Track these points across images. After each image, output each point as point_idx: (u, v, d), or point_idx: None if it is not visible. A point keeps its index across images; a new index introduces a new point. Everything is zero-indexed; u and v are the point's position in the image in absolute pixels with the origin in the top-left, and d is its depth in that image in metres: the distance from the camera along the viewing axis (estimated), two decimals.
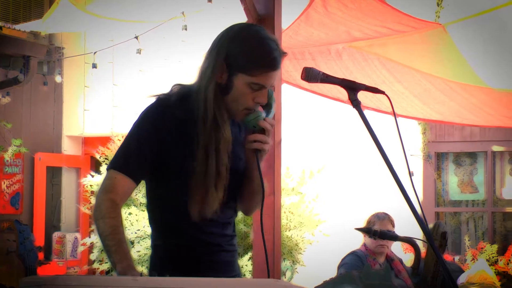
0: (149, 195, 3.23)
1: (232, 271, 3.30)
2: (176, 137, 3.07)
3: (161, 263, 3.17)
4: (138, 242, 8.47)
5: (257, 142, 3.11)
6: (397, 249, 8.30)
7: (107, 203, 2.96)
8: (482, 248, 9.71)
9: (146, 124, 3.08)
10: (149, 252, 8.43)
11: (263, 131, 3.12)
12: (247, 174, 3.24)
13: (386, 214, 6.45)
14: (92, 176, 8.98)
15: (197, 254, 3.15)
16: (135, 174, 3.04)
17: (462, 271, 7.75)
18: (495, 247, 9.72)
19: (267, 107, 3.15)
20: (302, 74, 2.94)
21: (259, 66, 3.03)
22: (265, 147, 3.13)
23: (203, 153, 3.05)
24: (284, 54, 3.13)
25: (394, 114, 3.05)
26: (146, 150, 3.05)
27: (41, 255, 9.81)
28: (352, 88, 2.90)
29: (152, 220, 3.25)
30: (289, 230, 8.98)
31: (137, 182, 3.07)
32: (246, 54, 3.05)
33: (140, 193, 8.35)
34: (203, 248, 3.16)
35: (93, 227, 9.03)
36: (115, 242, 2.89)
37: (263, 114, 3.12)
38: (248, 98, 3.07)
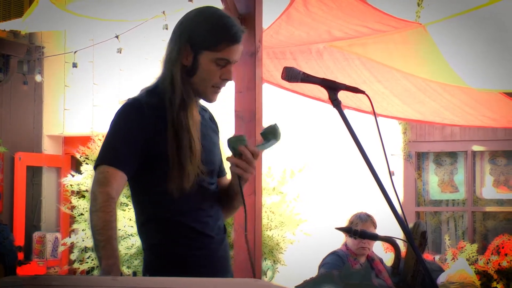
0: (142, 196, 3.20)
1: (229, 266, 3.36)
2: (155, 127, 3.08)
3: (164, 263, 3.14)
4: (119, 242, 8.43)
5: (238, 167, 3.13)
6: (378, 248, 8.31)
7: (103, 196, 2.94)
8: (462, 247, 9.75)
9: (127, 119, 3.09)
10: (129, 251, 8.43)
11: (241, 156, 3.12)
12: (228, 191, 3.29)
13: (369, 216, 6.45)
14: (73, 175, 8.94)
15: (203, 249, 3.15)
16: (126, 166, 3.03)
17: (442, 270, 7.78)
18: (475, 246, 9.76)
19: (267, 138, 3.20)
20: (282, 73, 2.94)
21: (223, 40, 3.10)
22: (244, 175, 3.15)
23: (173, 132, 3.09)
24: (244, 30, 3.19)
25: (374, 114, 3.05)
26: (133, 144, 3.05)
27: (21, 255, 9.76)
28: (332, 87, 2.90)
29: (147, 220, 3.20)
30: (270, 230, 8.97)
31: (128, 176, 3.05)
32: (209, 31, 3.12)
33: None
34: (205, 243, 3.17)
35: (74, 226, 9.00)
36: (105, 238, 2.87)
37: (246, 140, 3.15)
38: (215, 75, 3.13)
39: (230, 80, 3.16)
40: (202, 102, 3.32)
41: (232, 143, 3.13)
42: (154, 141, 3.07)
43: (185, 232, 3.11)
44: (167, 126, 3.09)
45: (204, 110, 3.35)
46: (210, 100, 3.21)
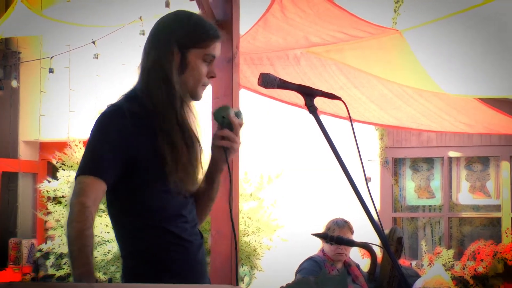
0: (120, 203, 3.18)
1: (207, 271, 3.36)
2: (138, 134, 3.07)
3: (144, 268, 3.10)
4: (96, 248, 8.40)
5: (225, 139, 3.14)
6: (355, 254, 8.33)
7: (77, 206, 2.93)
8: (438, 253, 9.79)
9: (108, 127, 3.07)
10: (106, 257, 8.40)
11: (230, 126, 3.14)
12: (209, 177, 3.28)
13: (346, 221, 6.45)
14: (49, 181, 8.89)
15: (183, 254, 3.14)
16: (106, 175, 3.00)
17: (418, 276, 7.80)
18: (451, 252, 9.80)
19: (220, 118, 3.20)
20: (259, 79, 2.94)
21: (208, 36, 3.16)
22: (234, 146, 3.18)
23: (179, 130, 3.11)
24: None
25: (351, 120, 3.06)
26: (115, 152, 3.03)
27: None
28: (308, 94, 2.90)
29: (125, 227, 3.17)
30: (247, 236, 8.97)
31: (108, 184, 3.03)
32: (194, 29, 3.17)
33: None
34: (185, 248, 3.16)
35: (50, 233, 8.96)
36: (77, 247, 2.86)
37: (232, 111, 3.16)
38: (204, 73, 3.17)
39: (215, 77, 3.20)
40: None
41: (221, 111, 3.15)
42: (136, 148, 3.05)
43: (165, 238, 3.10)
44: (150, 132, 3.08)
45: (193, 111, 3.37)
46: (197, 98, 3.22)
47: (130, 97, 3.17)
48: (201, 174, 3.19)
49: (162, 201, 3.09)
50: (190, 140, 3.14)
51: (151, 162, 3.06)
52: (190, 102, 3.21)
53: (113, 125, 3.06)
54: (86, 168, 3.02)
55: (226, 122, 3.14)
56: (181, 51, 3.14)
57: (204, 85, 3.20)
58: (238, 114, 3.18)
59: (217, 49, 3.20)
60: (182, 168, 3.08)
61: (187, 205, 3.19)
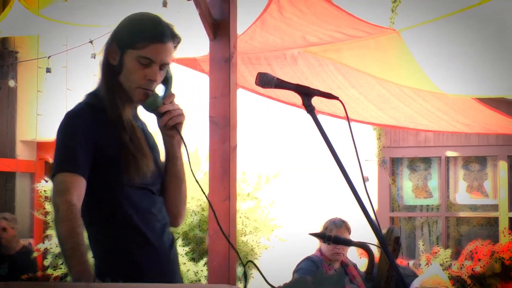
0: (87, 199, 3.12)
1: (179, 269, 3.35)
2: (100, 129, 3.08)
3: (117, 267, 3.09)
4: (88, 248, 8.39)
5: (171, 118, 3.16)
6: (353, 254, 8.33)
7: (64, 205, 2.92)
8: (436, 252, 9.79)
9: (73, 125, 3.08)
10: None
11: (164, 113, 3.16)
12: (170, 160, 3.28)
13: (343, 221, 6.45)
14: (46, 181, 8.88)
15: (155, 253, 3.13)
16: (82, 170, 3.01)
17: (416, 276, 7.80)
18: (448, 251, 9.80)
19: (165, 82, 3.19)
20: (256, 79, 2.93)
21: (144, 38, 3.11)
22: (181, 118, 3.19)
23: (124, 128, 3.11)
24: (176, 37, 3.20)
25: (348, 120, 3.06)
26: (84, 148, 3.03)
27: None
28: (306, 93, 2.89)
29: (95, 225, 3.15)
30: (245, 235, 8.96)
31: (86, 179, 3.02)
32: (132, 29, 3.17)
33: None
34: (157, 246, 3.15)
35: (48, 232, 8.95)
36: (71, 246, 2.86)
37: (159, 95, 3.15)
38: (139, 75, 3.12)
39: (155, 81, 3.13)
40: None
41: (150, 105, 3.14)
42: (102, 144, 3.06)
43: (136, 236, 3.09)
44: (111, 127, 3.09)
45: (142, 121, 3.34)
46: (136, 101, 3.18)
47: (93, 94, 3.21)
48: (147, 167, 3.12)
49: (130, 197, 3.09)
50: (135, 137, 3.12)
51: (115, 157, 3.07)
52: (130, 105, 3.18)
53: (79, 121, 3.08)
54: (63, 165, 3.02)
55: (158, 111, 3.14)
56: (120, 50, 3.14)
57: (142, 88, 3.13)
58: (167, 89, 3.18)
59: (157, 53, 3.12)
60: (129, 162, 3.07)
61: (156, 203, 3.19)
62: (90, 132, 3.05)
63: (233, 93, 5.74)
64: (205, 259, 8.42)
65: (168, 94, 3.16)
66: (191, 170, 3.20)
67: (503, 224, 10.16)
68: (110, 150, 3.06)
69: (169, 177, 3.27)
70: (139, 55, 3.10)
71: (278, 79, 2.92)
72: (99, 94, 3.17)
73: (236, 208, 5.83)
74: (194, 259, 8.68)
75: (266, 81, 2.93)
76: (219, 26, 5.73)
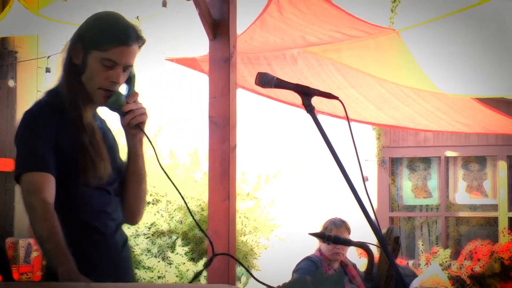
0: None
1: (132, 267, 3.32)
2: (59, 127, 3.05)
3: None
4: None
5: (135, 117, 3.12)
6: (352, 254, 8.33)
7: (39, 205, 2.89)
8: (435, 252, 9.80)
9: (33, 124, 3.05)
10: None
11: (124, 110, 3.13)
12: (132, 158, 3.24)
13: (343, 221, 6.45)
14: None
15: (109, 250, 3.12)
16: (50, 168, 2.98)
17: (415, 276, 7.80)
18: (448, 251, 9.81)
19: (128, 81, 3.15)
20: (256, 79, 2.93)
21: (109, 40, 3.07)
22: (144, 117, 3.15)
23: (84, 129, 3.07)
24: (141, 39, 3.15)
25: (348, 120, 3.05)
26: (47, 145, 3.00)
27: None
28: (305, 93, 2.89)
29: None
30: (245, 235, 8.97)
31: (54, 177, 2.99)
32: (98, 30, 3.11)
33: None
34: (111, 244, 3.14)
35: None
36: (53, 245, 2.83)
37: (123, 94, 3.12)
38: (102, 76, 3.08)
39: (118, 83, 3.09)
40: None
41: (113, 104, 3.10)
42: (61, 144, 3.03)
43: (91, 234, 3.07)
44: (71, 128, 3.06)
45: (101, 119, 3.31)
46: (97, 102, 3.14)
47: (52, 92, 3.17)
48: (105, 170, 3.08)
49: (85, 196, 3.06)
50: (94, 140, 3.08)
51: (73, 158, 3.03)
52: (91, 105, 3.14)
53: (40, 120, 3.04)
54: (29, 165, 2.98)
55: (121, 109, 3.11)
56: (84, 50, 3.10)
57: (104, 90, 3.09)
58: (130, 88, 3.15)
59: (121, 55, 3.08)
60: (87, 165, 3.04)
61: (111, 202, 3.17)
62: (51, 131, 3.02)
63: (233, 93, 5.74)
64: (204, 259, 8.43)
65: (132, 93, 3.14)
66: (160, 164, 3.17)
67: (503, 224, 10.16)
68: (69, 151, 3.03)
69: (130, 174, 3.25)
70: (103, 57, 3.06)
71: (277, 79, 2.92)
72: (60, 92, 3.13)
73: (235, 208, 5.83)
74: (194, 259, 8.69)
75: (266, 81, 2.92)
76: (219, 26, 5.73)
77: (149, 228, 8.67)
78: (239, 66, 6.78)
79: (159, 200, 8.78)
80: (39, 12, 8.19)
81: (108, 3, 7.85)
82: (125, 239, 3.26)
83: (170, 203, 8.63)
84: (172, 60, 8.06)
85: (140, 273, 8.50)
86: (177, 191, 3.26)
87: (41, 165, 2.97)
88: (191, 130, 9.89)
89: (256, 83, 2.93)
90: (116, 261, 3.16)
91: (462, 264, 9.54)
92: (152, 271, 8.52)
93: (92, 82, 3.09)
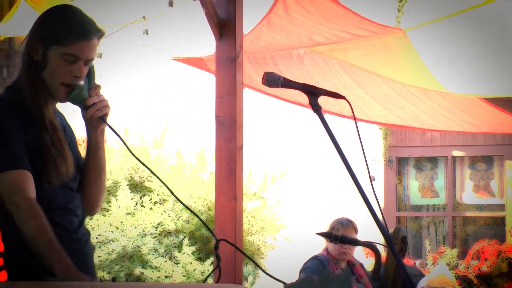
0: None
1: (93, 264, 3.30)
2: (22, 123, 3.02)
3: (32, 262, 2.93)
4: (100, 247, 8.41)
5: (98, 109, 3.09)
6: (359, 253, 8.32)
7: (24, 203, 2.86)
8: (442, 252, 9.78)
9: (4, 121, 2.99)
10: (110, 257, 8.40)
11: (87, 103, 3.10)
12: (93, 149, 3.22)
13: (350, 221, 6.45)
14: None
15: (73, 247, 3.06)
16: (26, 165, 2.95)
17: (422, 275, 7.80)
18: (455, 251, 9.79)
19: (87, 74, 3.11)
20: (263, 78, 2.93)
21: (70, 35, 3.03)
22: (107, 109, 3.11)
23: (45, 127, 3.04)
24: (100, 32, 3.13)
25: (355, 119, 3.06)
26: (19, 141, 2.97)
27: (0, 261, 9.69)
28: (312, 93, 2.89)
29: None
30: (251, 235, 8.97)
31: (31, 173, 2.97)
32: (57, 25, 3.06)
33: None
34: (74, 240, 3.11)
35: None
36: (46, 243, 2.81)
37: (85, 87, 3.08)
38: (64, 72, 3.05)
39: (80, 77, 3.06)
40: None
41: (77, 98, 3.07)
42: (28, 140, 3.00)
43: (56, 231, 2.96)
44: (34, 125, 3.03)
45: (60, 113, 3.29)
46: (59, 98, 3.12)
47: (12, 88, 3.13)
48: (67, 170, 3.05)
49: (49, 194, 3.03)
50: (56, 139, 3.05)
51: (37, 156, 3.00)
52: (51, 101, 3.12)
53: (7, 117, 3.00)
54: (6, 163, 2.93)
55: (85, 103, 3.09)
56: (43, 46, 3.06)
57: (66, 85, 3.06)
58: (89, 82, 3.12)
59: (82, 49, 3.04)
60: (50, 165, 3.01)
61: (74, 199, 3.16)
62: (20, 127, 2.99)
63: (239, 92, 5.74)
64: (211, 259, 8.43)
65: (94, 86, 3.12)
66: (129, 150, 3.16)
67: (510, 223, 10.15)
68: (33, 148, 3.00)
69: (90, 166, 3.23)
70: (64, 52, 3.02)
71: (284, 78, 2.92)
72: (20, 88, 3.09)
73: (242, 207, 5.83)
74: (201, 259, 8.69)
75: (272, 80, 2.92)
76: (225, 26, 5.73)
77: (156, 227, 8.67)
78: (246, 66, 6.78)
79: (166, 200, 8.79)
80: None
81: (114, 2, 7.86)
82: (88, 236, 3.24)
83: (177, 202, 8.63)
84: (178, 59, 8.07)
85: (147, 272, 8.51)
86: (171, 189, 3.26)
87: (18, 162, 2.93)
88: (198, 130, 9.89)
89: (263, 83, 2.93)
90: (79, 257, 3.08)
91: (469, 264, 9.53)
92: (159, 271, 8.53)
93: (53, 78, 3.05)
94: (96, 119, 3.12)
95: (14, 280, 2.96)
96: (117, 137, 3.09)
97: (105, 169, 3.30)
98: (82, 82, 3.07)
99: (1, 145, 2.96)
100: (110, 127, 3.13)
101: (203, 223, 3.16)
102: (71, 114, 3.44)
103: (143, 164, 3.17)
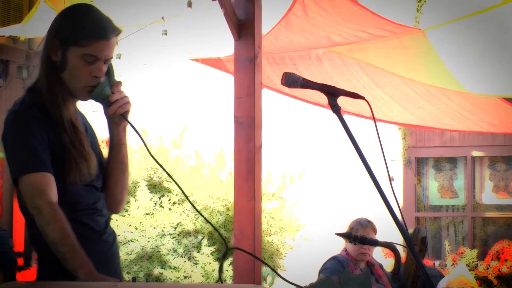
0: None
1: (119, 263, 3.31)
2: (44, 126, 3.02)
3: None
4: (119, 248, 8.43)
5: (120, 106, 3.10)
6: (378, 254, 8.31)
7: (46, 207, 2.86)
8: (462, 253, 9.75)
9: (27, 123, 3.00)
10: (129, 257, 8.42)
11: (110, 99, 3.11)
12: (116, 147, 3.21)
13: (369, 221, 6.44)
14: None
15: (100, 247, 3.11)
16: (48, 167, 2.95)
17: (442, 276, 7.77)
18: (475, 252, 9.75)
19: (107, 72, 3.12)
20: (282, 79, 2.93)
21: (88, 36, 3.02)
22: (129, 106, 3.12)
23: (65, 128, 3.04)
24: (117, 30, 3.12)
25: (374, 120, 3.05)
26: (42, 144, 2.97)
27: (20, 261, 9.74)
28: (331, 93, 2.89)
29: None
30: (270, 235, 8.97)
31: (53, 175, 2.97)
32: (75, 26, 3.05)
33: None
34: (101, 240, 3.14)
35: None
36: (69, 248, 2.82)
37: (107, 84, 3.09)
38: (84, 72, 3.04)
39: (100, 77, 3.06)
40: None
41: (100, 95, 3.07)
42: (52, 141, 3.01)
43: (82, 231, 3.01)
44: (54, 127, 3.03)
45: (81, 113, 3.29)
46: (81, 97, 3.12)
47: (32, 89, 3.14)
48: (88, 170, 3.06)
49: (75, 194, 3.04)
50: (76, 140, 3.05)
51: (59, 158, 3.01)
52: (72, 102, 3.12)
53: (30, 119, 3.01)
54: (28, 166, 2.94)
55: (107, 100, 3.09)
56: (62, 46, 3.05)
57: (86, 85, 3.06)
58: (109, 80, 3.12)
59: (101, 49, 3.03)
60: (71, 166, 3.01)
61: (99, 199, 3.16)
62: (42, 129, 2.99)
63: (258, 93, 5.74)
64: (230, 259, 8.44)
65: (116, 83, 3.12)
66: (148, 150, 3.16)
67: None
68: (56, 149, 3.00)
69: (113, 163, 3.23)
70: (83, 53, 3.02)
71: (304, 79, 2.92)
72: (39, 90, 3.10)
73: (261, 208, 5.84)
74: (220, 259, 8.70)
75: (292, 81, 2.92)
76: (244, 26, 5.73)
77: (175, 228, 8.69)
78: (264, 66, 6.79)
79: (184, 200, 8.80)
80: None
81: (133, 3, 7.88)
82: (114, 236, 3.25)
83: (196, 203, 8.65)
84: (197, 60, 8.08)
85: (166, 273, 8.52)
86: (184, 189, 3.26)
87: (40, 165, 2.94)
88: (217, 130, 9.90)
89: (282, 83, 2.93)
90: (107, 257, 3.14)
91: (489, 265, 9.49)
92: (178, 271, 8.54)
93: (74, 79, 3.06)
94: (118, 116, 3.12)
95: (45, 280, 2.96)
96: (138, 136, 3.10)
97: (128, 167, 3.30)
98: (102, 79, 3.08)
99: (23, 148, 2.97)
100: (131, 124, 3.15)
101: (215, 228, 3.17)
102: (91, 115, 3.44)
103: (160, 165, 3.17)
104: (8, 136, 3.02)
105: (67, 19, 3.11)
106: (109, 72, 3.13)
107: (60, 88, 3.07)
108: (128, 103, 3.12)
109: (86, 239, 2.99)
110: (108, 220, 3.23)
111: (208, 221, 3.13)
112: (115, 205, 3.31)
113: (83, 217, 3.07)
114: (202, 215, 3.10)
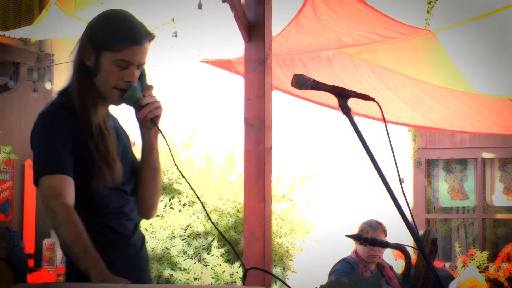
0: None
1: (149, 266, 3.31)
2: (73, 129, 3.04)
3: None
4: None
5: (151, 111, 3.11)
6: (388, 256, 8.30)
7: (61, 209, 2.88)
8: (472, 254, 9.73)
9: (53, 124, 3.04)
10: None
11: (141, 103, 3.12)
12: (147, 152, 3.23)
13: (379, 223, 6.43)
14: None
15: (128, 250, 3.13)
16: (69, 170, 2.97)
17: (452, 278, 7.76)
18: (485, 253, 9.73)
19: (140, 77, 3.14)
20: (292, 81, 2.93)
21: (121, 41, 3.05)
22: (160, 110, 3.14)
23: (93, 132, 3.05)
24: (150, 35, 3.14)
25: (384, 121, 3.04)
26: (66, 147, 2.99)
27: (31, 262, 9.78)
28: (342, 95, 2.89)
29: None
30: (280, 237, 8.97)
31: (73, 179, 2.99)
32: (108, 32, 3.08)
33: None
34: (130, 244, 3.15)
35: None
36: (82, 248, 2.83)
37: (138, 87, 3.11)
38: (117, 77, 3.07)
39: (133, 82, 3.09)
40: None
41: (131, 98, 3.09)
42: (77, 143, 3.03)
43: (110, 235, 3.07)
44: (82, 131, 3.05)
45: (114, 117, 3.30)
46: (112, 101, 3.14)
47: (63, 92, 3.16)
48: (112, 177, 3.06)
49: (102, 198, 3.06)
50: (102, 145, 3.06)
51: (85, 162, 3.03)
52: (103, 106, 3.14)
53: (57, 122, 3.03)
54: (48, 168, 2.97)
55: (138, 103, 3.10)
56: (95, 51, 3.08)
57: (117, 88, 3.08)
58: (141, 84, 3.13)
59: (134, 55, 3.06)
60: (95, 171, 3.03)
61: (128, 203, 3.17)
62: (68, 132, 3.01)
63: (268, 94, 5.75)
64: (239, 262, 8.44)
65: (147, 86, 3.14)
66: (173, 159, 3.20)
67: None
68: (83, 153, 3.03)
69: (145, 168, 3.25)
70: (117, 58, 3.05)
71: (314, 80, 2.92)
72: (70, 93, 3.12)
73: (271, 209, 5.84)
74: (230, 261, 8.71)
75: (302, 82, 2.92)
76: (254, 28, 5.74)
77: (185, 229, 8.70)
78: (274, 68, 6.79)
79: (194, 202, 8.81)
80: (75, 15, 8.26)
81: (143, 5, 7.90)
82: (143, 239, 3.27)
83: (206, 204, 8.66)
84: (207, 62, 8.09)
85: (176, 274, 8.53)
86: (196, 190, 3.27)
87: (60, 167, 2.96)
88: (227, 132, 9.91)
89: (292, 85, 2.93)
90: (135, 261, 3.16)
91: (500, 267, 9.47)
92: (188, 273, 8.55)
93: (106, 83, 3.08)
94: (148, 121, 3.14)
95: (74, 280, 2.97)
96: (165, 142, 3.13)
97: (160, 172, 3.31)
98: (134, 84, 3.10)
99: (46, 149, 3.01)
100: (159, 130, 3.16)
101: (227, 241, 3.16)
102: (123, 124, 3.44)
103: (182, 175, 3.20)
104: (34, 137, 3.07)
105: (101, 24, 3.14)
106: (142, 77, 3.16)
107: (91, 93, 3.09)
108: (159, 107, 3.14)
109: (113, 243, 3.05)
110: (137, 224, 3.24)
111: (219, 231, 3.13)
112: (147, 210, 3.33)
113: (110, 221, 3.09)
114: (215, 226, 3.10)
